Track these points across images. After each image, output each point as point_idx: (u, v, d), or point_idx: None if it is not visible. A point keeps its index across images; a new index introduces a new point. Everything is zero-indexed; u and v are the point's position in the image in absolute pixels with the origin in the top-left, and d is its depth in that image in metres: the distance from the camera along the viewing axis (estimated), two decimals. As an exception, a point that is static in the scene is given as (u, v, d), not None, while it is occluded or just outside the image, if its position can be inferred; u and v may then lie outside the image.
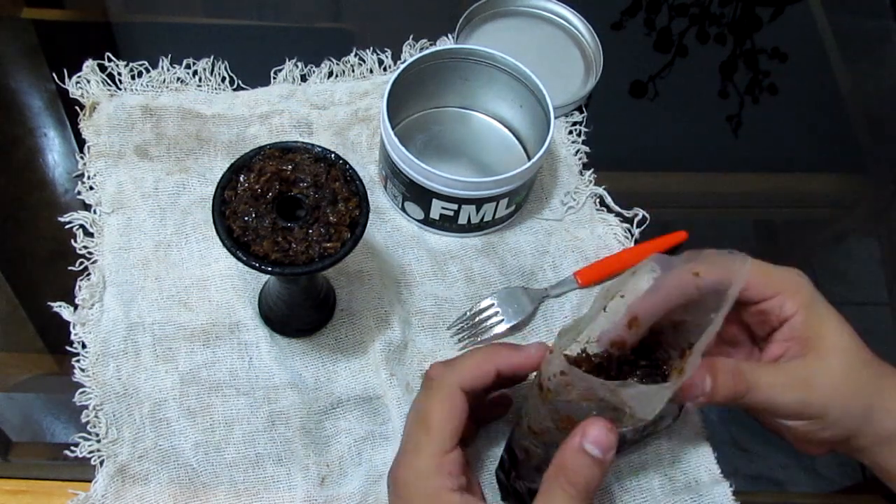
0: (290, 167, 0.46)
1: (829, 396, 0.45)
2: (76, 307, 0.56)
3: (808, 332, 0.46)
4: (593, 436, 0.40)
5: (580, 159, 0.67)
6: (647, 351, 0.46)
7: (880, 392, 0.46)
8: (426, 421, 0.44)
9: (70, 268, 0.58)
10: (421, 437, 0.44)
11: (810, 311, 0.46)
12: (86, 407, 0.53)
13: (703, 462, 0.55)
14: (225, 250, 0.45)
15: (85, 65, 0.66)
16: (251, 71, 0.68)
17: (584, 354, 0.44)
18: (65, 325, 0.55)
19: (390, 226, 0.62)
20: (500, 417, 0.53)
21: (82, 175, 0.62)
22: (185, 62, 0.67)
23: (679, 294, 0.43)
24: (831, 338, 0.46)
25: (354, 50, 0.70)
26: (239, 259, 0.44)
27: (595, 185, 0.66)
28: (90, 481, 0.51)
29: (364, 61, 0.70)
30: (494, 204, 0.59)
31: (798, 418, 0.46)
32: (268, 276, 0.55)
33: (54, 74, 0.65)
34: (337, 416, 0.54)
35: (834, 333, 0.46)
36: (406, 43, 0.71)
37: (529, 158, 0.61)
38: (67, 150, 0.64)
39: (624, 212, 0.65)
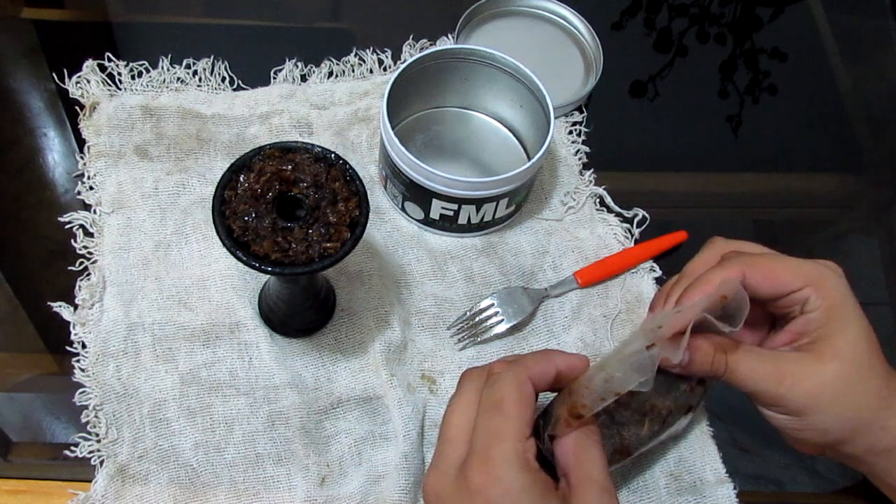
0: (290, 167, 0.46)
1: (811, 399, 0.44)
2: (76, 307, 0.56)
3: (821, 332, 0.45)
4: None
5: (580, 159, 0.67)
6: None
7: (885, 409, 0.45)
8: (501, 408, 0.42)
9: (70, 268, 0.58)
10: (500, 423, 0.41)
11: (833, 312, 0.45)
12: (86, 407, 0.53)
13: (708, 462, 0.55)
14: (225, 250, 0.45)
15: (85, 65, 0.66)
16: (251, 71, 0.68)
17: None
18: (65, 325, 0.55)
19: (390, 226, 0.62)
20: None
21: (82, 175, 0.62)
22: (185, 62, 0.67)
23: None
24: (840, 345, 0.45)
25: (354, 50, 0.70)
26: (239, 259, 0.44)
27: (595, 185, 0.66)
28: (90, 481, 0.51)
29: (364, 61, 0.70)
30: (494, 204, 0.58)
31: (774, 410, 0.46)
32: (268, 276, 0.55)
33: (54, 74, 0.65)
34: (337, 416, 0.54)
35: (846, 342, 0.45)
36: (406, 43, 0.71)
37: (529, 158, 0.61)
38: (67, 150, 0.64)
39: (624, 212, 0.65)
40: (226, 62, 0.68)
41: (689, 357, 0.44)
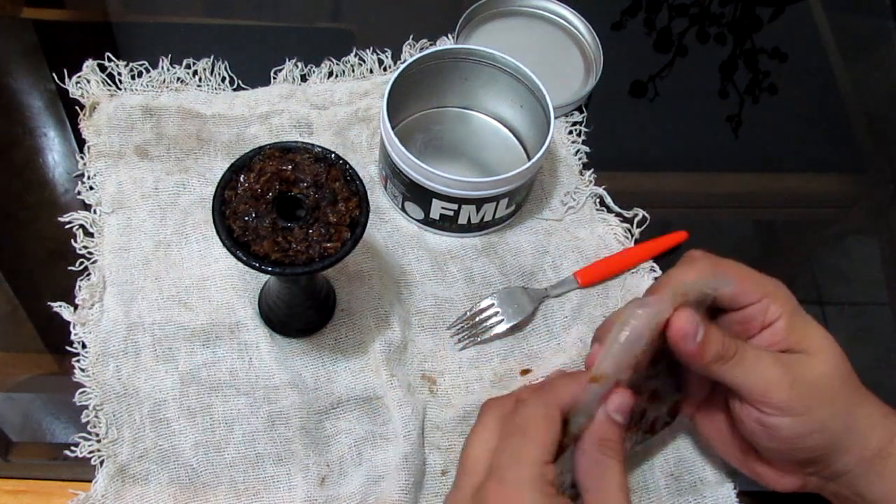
0: (290, 167, 0.46)
1: (813, 393, 0.44)
2: (76, 307, 0.56)
3: (792, 336, 0.45)
4: (616, 404, 0.43)
5: (580, 159, 0.67)
6: None
7: (861, 408, 0.45)
8: (526, 432, 0.42)
9: (70, 268, 0.58)
10: (520, 447, 0.41)
11: (794, 319, 0.45)
12: (86, 407, 0.53)
13: (708, 462, 0.55)
14: (225, 250, 0.45)
15: (85, 65, 0.66)
16: (251, 71, 0.68)
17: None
18: (65, 325, 0.55)
19: (390, 226, 0.62)
20: None
21: (82, 175, 0.62)
22: (185, 62, 0.67)
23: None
24: (818, 342, 0.45)
25: (354, 50, 0.70)
26: (239, 259, 0.44)
27: (595, 185, 0.66)
28: (90, 481, 0.51)
29: (364, 61, 0.70)
30: (494, 204, 0.59)
31: (782, 408, 0.44)
32: (268, 276, 0.55)
33: (54, 74, 0.65)
34: (337, 416, 0.54)
35: (820, 339, 0.45)
36: (406, 43, 0.71)
37: (529, 158, 0.61)
38: (67, 150, 0.64)
39: (624, 212, 0.65)
40: (226, 62, 0.68)
41: (703, 333, 0.43)
